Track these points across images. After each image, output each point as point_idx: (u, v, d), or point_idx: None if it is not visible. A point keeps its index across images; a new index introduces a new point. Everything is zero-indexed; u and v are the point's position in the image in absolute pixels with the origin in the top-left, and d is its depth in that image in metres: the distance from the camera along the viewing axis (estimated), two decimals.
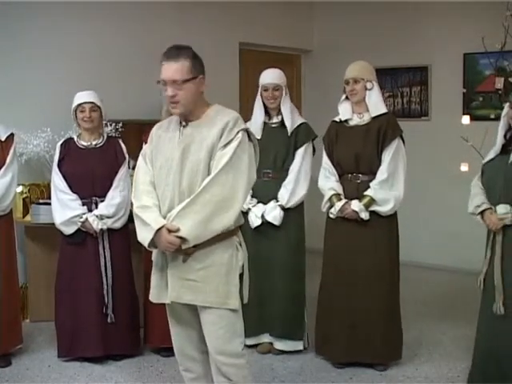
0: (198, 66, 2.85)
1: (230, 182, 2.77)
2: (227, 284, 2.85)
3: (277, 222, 4.26)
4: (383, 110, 4.11)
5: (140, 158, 3.06)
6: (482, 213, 3.54)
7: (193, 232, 2.75)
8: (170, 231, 2.76)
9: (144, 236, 2.85)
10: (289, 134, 4.31)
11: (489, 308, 3.53)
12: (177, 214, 2.77)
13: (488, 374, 3.57)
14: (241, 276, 2.91)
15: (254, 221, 4.26)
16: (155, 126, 3.09)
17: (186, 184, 2.82)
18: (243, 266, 2.92)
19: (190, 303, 2.88)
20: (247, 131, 2.88)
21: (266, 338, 4.44)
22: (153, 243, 2.83)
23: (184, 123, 2.90)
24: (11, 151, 4.16)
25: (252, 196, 4.26)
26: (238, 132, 2.81)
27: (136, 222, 2.92)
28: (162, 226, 2.78)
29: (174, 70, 2.78)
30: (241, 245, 2.94)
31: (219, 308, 2.85)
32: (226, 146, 2.79)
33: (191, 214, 2.75)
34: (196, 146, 2.82)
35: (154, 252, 2.97)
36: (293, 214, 4.32)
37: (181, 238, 2.75)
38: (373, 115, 4.06)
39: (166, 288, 2.89)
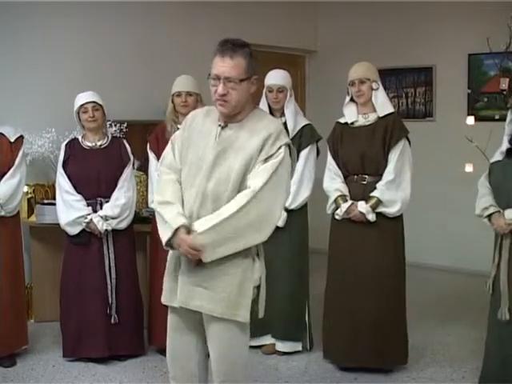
0: (254, 65, 2.67)
1: (269, 200, 2.61)
2: (239, 295, 2.66)
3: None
4: (390, 109, 4.09)
5: (168, 147, 2.83)
6: (489, 215, 3.50)
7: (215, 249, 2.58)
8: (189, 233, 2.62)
9: (162, 233, 2.69)
10: (289, 137, 4.24)
11: (497, 313, 3.50)
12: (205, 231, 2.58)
13: (498, 378, 3.53)
14: (257, 289, 2.72)
15: None
16: (191, 114, 2.86)
17: (212, 188, 2.63)
18: (260, 279, 2.73)
19: (198, 310, 2.72)
20: (289, 146, 2.69)
21: (269, 339, 4.44)
22: (170, 243, 2.68)
23: (223, 124, 2.69)
24: (20, 153, 4.16)
25: None
26: (280, 147, 2.63)
27: (157, 217, 2.76)
28: (181, 226, 2.62)
29: (229, 67, 2.58)
30: (258, 256, 2.74)
31: (227, 319, 2.67)
32: (267, 160, 2.62)
33: (224, 240, 2.58)
34: (232, 152, 2.64)
35: (170, 254, 2.84)
36: (296, 215, 4.30)
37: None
38: (380, 115, 4.03)
39: (177, 292, 2.75)
